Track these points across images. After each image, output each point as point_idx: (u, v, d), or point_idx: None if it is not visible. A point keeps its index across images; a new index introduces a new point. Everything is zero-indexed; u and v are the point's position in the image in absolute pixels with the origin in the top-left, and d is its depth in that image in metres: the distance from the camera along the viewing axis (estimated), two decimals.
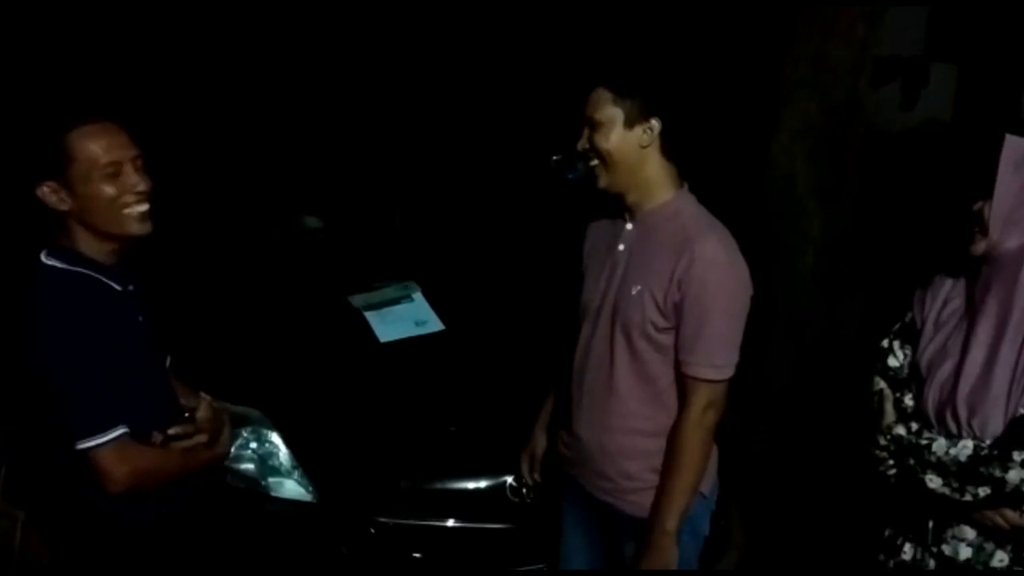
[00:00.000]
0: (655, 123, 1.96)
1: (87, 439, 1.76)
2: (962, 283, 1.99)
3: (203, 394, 2.06)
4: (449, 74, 4.35)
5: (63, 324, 1.75)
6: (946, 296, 2.01)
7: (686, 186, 2.05)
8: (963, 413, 1.87)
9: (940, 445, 1.88)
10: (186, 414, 1.99)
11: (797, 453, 3.58)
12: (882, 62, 4.29)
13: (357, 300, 3.09)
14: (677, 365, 1.99)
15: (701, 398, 1.98)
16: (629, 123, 1.95)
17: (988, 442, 1.84)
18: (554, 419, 2.31)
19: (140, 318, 1.90)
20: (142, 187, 1.81)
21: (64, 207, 1.79)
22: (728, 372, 1.99)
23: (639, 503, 2.05)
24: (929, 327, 2.00)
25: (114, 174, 1.79)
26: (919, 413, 1.97)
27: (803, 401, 3.76)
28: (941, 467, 1.87)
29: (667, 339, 1.98)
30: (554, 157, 4.22)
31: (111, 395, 1.77)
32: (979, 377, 1.86)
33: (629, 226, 2.05)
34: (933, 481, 1.88)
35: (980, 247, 1.89)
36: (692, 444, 1.98)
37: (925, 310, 2.03)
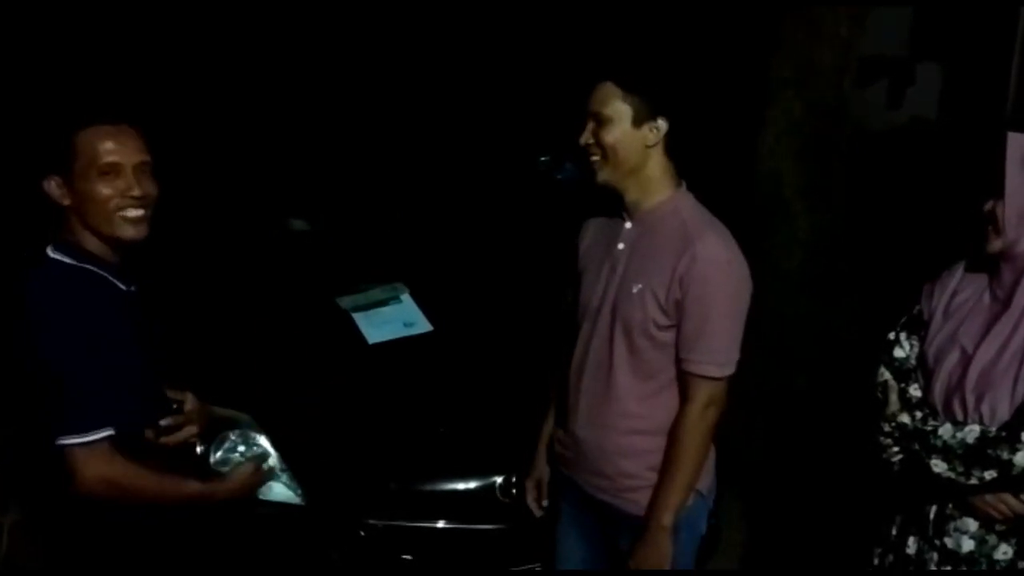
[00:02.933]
0: (662, 123, 1.96)
1: (69, 436, 1.75)
2: (972, 276, 2.01)
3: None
4: (437, 76, 4.36)
5: (63, 318, 1.75)
6: (955, 288, 2.02)
7: (684, 184, 2.05)
8: (971, 400, 1.89)
9: (946, 430, 1.90)
10: (174, 406, 1.98)
11: (792, 453, 3.59)
12: (868, 62, 4.31)
13: (345, 302, 3.09)
14: (678, 363, 1.99)
15: (703, 395, 1.98)
16: (637, 121, 1.95)
17: (995, 428, 1.85)
18: (553, 428, 2.28)
19: (141, 318, 1.90)
20: (136, 192, 1.82)
21: (66, 202, 1.82)
22: (729, 369, 1.99)
23: (638, 501, 2.05)
24: (938, 318, 2.01)
25: (111, 175, 1.81)
26: (925, 403, 1.98)
27: (795, 401, 3.77)
28: (947, 451, 1.88)
29: (668, 336, 1.98)
30: (542, 158, 4.24)
31: (104, 395, 1.76)
32: (989, 365, 1.88)
33: (628, 225, 2.04)
34: (938, 466, 1.89)
35: (996, 246, 1.90)
36: (692, 441, 1.99)
37: (933, 302, 2.04)
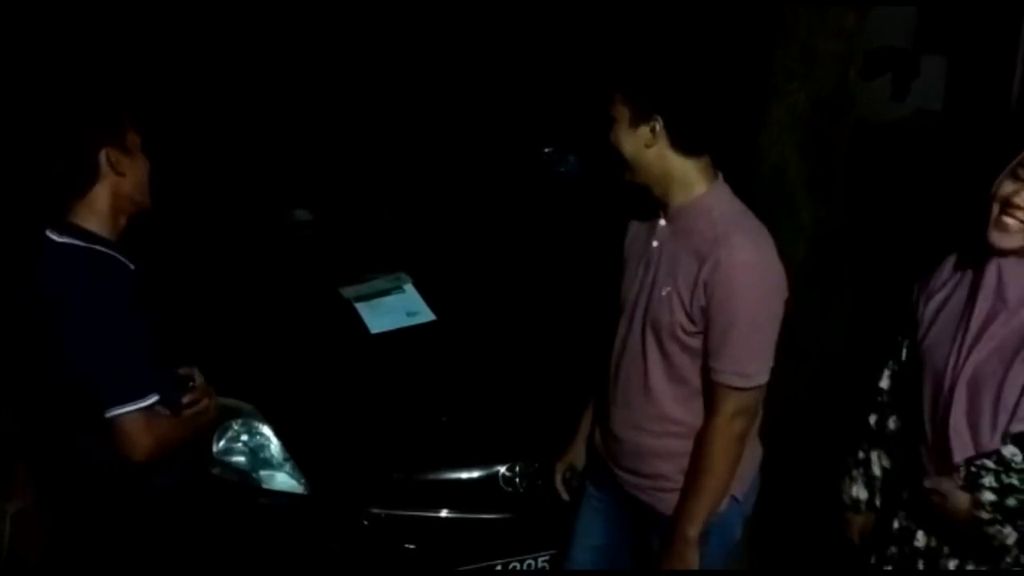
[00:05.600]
0: (657, 122, 1.90)
1: (119, 406, 1.80)
2: (962, 273, 1.94)
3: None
4: (441, 67, 4.35)
5: (91, 298, 1.80)
6: (942, 284, 1.97)
7: (720, 178, 1.98)
8: (960, 401, 1.83)
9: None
10: (191, 383, 2.06)
11: (795, 446, 3.59)
12: (873, 54, 4.30)
13: (348, 292, 3.09)
14: (705, 371, 1.94)
15: (729, 405, 1.92)
16: (633, 122, 1.91)
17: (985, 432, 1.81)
18: (592, 422, 2.27)
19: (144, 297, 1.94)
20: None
21: (121, 169, 1.89)
22: (760, 379, 1.93)
23: (670, 502, 2.02)
24: (929, 316, 1.96)
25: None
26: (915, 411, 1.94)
27: (799, 394, 3.76)
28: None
29: (696, 342, 1.93)
30: (545, 150, 4.23)
31: (142, 364, 1.84)
32: (983, 365, 1.82)
33: (663, 222, 1.99)
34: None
35: (1016, 241, 1.80)
36: (718, 451, 1.94)
37: (924, 299, 2.00)
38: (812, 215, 3.91)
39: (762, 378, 1.94)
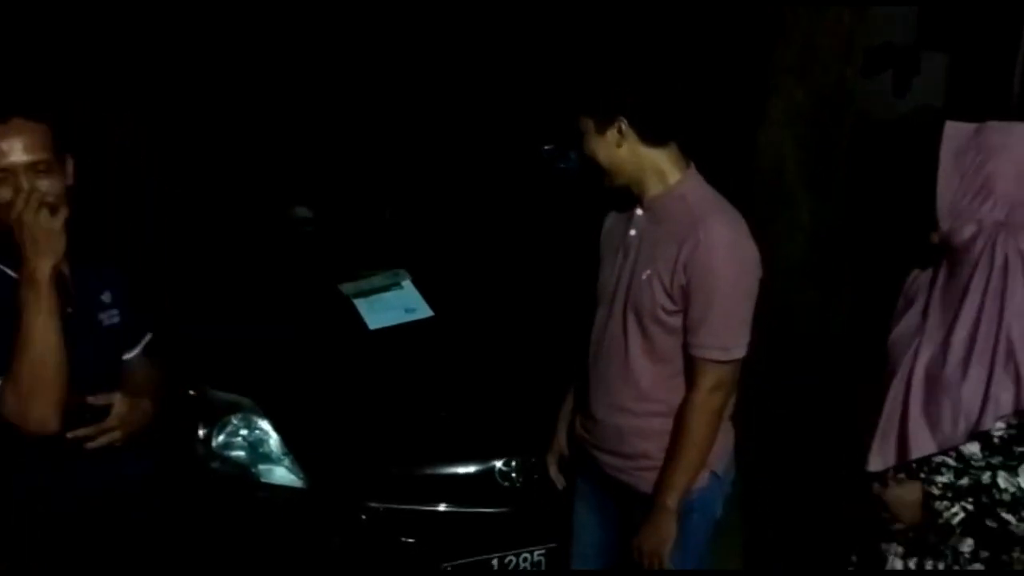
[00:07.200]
0: (621, 121, 1.99)
1: None
2: (924, 272, 1.97)
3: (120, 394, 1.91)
4: (440, 63, 4.36)
5: None
6: (913, 281, 2.00)
7: (692, 166, 2.08)
8: (916, 403, 1.85)
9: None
10: (87, 415, 1.84)
11: (790, 442, 3.59)
12: (874, 51, 4.29)
13: (347, 288, 3.10)
14: (685, 347, 2.03)
15: (708, 379, 2.01)
16: (599, 129, 2.02)
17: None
18: (573, 410, 2.33)
19: (69, 309, 1.81)
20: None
21: None
22: (737, 353, 2.02)
23: (653, 480, 2.08)
24: (899, 312, 1.99)
25: (2, 180, 1.74)
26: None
27: (796, 391, 3.77)
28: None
29: (676, 321, 2.02)
30: (546, 147, 4.24)
31: None
32: (932, 366, 1.84)
33: (639, 212, 2.09)
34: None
35: (934, 238, 1.89)
36: (698, 424, 2.02)
37: (902, 298, 2.02)
38: (812, 213, 3.91)
39: (740, 351, 2.03)
